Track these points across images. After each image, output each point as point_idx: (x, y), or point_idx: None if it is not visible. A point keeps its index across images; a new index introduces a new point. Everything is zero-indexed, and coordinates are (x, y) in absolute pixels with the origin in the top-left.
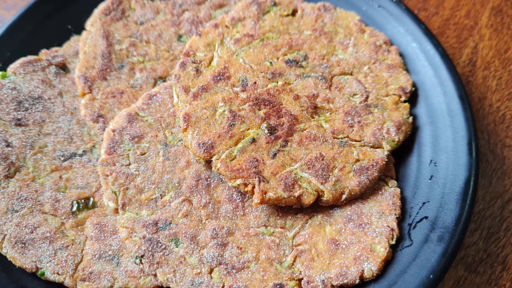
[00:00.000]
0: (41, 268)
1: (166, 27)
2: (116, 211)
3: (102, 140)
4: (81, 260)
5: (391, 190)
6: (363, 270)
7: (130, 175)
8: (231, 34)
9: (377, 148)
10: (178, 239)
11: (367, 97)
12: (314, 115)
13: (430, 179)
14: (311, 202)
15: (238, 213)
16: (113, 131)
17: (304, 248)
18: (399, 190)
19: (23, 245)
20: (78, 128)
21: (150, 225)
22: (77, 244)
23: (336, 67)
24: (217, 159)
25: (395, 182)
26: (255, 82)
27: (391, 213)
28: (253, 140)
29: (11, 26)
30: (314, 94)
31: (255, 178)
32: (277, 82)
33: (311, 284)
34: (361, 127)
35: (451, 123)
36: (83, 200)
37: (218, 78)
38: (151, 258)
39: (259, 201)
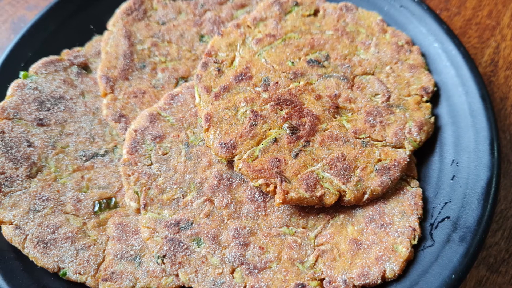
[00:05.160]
0: (63, 268)
1: (188, 27)
2: (138, 211)
3: (124, 140)
4: (103, 260)
5: (413, 190)
6: (385, 270)
7: (152, 175)
8: (253, 34)
9: (399, 148)
10: (200, 239)
11: (389, 97)
12: (336, 115)
13: (452, 179)
14: (333, 202)
15: (260, 213)
16: (135, 131)
17: (326, 248)
18: (421, 190)
19: (45, 245)
20: (100, 128)
21: (172, 225)
22: (99, 244)
23: (358, 67)
24: (239, 159)
25: (417, 182)
26: (277, 82)
27: (413, 213)
28: (275, 140)
29: (33, 26)
30: (336, 94)
31: (277, 178)
32: (299, 82)
33: (333, 284)
34: (383, 127)
35: (473, 123)
36: (105, 200)
37: (240, 78)
38: (173, 258)
39: (281, 201)
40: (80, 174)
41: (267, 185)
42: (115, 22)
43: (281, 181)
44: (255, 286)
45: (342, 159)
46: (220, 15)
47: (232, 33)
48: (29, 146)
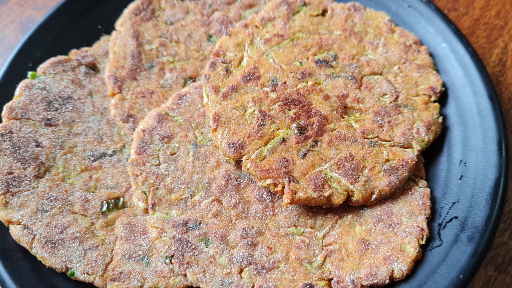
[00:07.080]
0: (71, 268)
1: (196, 27)
2: (146, 211)
3: (132, 140)
4: (111, 260)
5: (421, 190)
6: (393, 270)
7: (160, 175)
8: (261, 34)
9: (407, 148)
10: (208, 239)
11: (397, 97)
12: (344, 115)
13: (460, 179)
14: (341, 202)
15: (268, 213)
16: (143, 131)
17: (334, 248)
18: (429, 190)
19: (53, 245)
20: (108, 128)
21: (180, 225)
22: (107, 244)
23: (366, 67)
24: (247, 159)
25: (425, 182)
26: (285, 82)
27: (421, 213)
28: (283, 140)
29: (41, 26)
30: (344, 94)
31: (285, 178)
32: (307, 82)
33: (341, 284)
34: (391, 127)
35: (481, 123)
36: (113, 200)
37: (248, 78)
38: (181, 258)
39: (289, 201)
40: (88, 174)
41: (275, 185)
42: (123, 22)
43: (289, 181)
44: (263, 286)
45: (350, 159)
46: (228, 15)
47: (240, 33)
48: (37, 146)
